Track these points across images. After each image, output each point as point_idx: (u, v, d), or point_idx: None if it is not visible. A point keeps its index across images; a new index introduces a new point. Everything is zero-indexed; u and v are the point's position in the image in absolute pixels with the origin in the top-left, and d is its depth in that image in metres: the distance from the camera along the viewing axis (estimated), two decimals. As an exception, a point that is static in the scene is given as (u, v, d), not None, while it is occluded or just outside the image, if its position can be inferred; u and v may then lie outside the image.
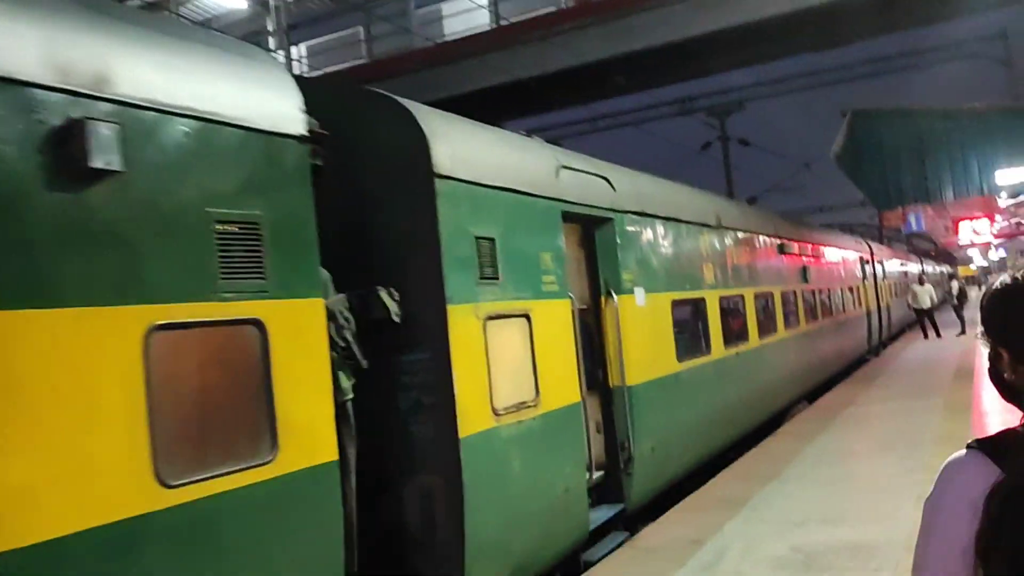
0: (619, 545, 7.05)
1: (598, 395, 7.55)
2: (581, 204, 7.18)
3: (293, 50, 21.35)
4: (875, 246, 26.73)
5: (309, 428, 4.11)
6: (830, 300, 17.57)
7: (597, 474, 7.26)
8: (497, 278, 5.73)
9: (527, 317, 6.08)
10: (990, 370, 1.71)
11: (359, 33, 20.40)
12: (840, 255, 19.59)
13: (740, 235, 11.85)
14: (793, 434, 11.23)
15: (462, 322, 5.29)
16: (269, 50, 21.28)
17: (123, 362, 3.27)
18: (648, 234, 8.50)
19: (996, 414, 11.19)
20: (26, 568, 2.87)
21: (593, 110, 27.15)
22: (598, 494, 7.30)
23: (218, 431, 3.70)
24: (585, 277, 7.60)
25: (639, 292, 8.05)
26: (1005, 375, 1.67)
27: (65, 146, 3.14)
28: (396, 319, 5.05)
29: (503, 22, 18.38)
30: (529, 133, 7.68)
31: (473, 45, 18.32)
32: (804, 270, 15.35)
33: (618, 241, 7.75)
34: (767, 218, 14.73)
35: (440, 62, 18.39)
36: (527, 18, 18.12)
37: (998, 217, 31.59)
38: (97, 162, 3.19)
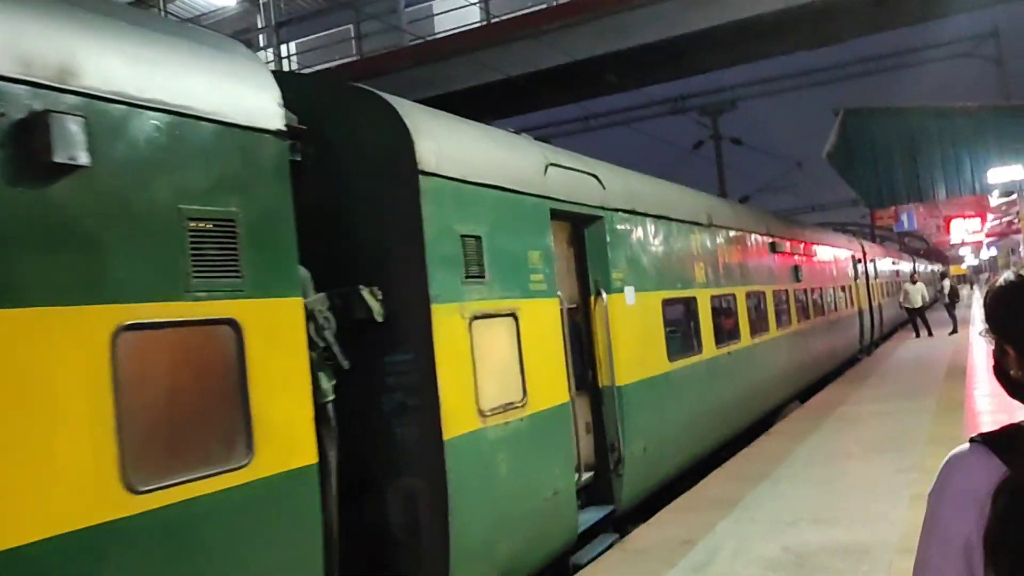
0: (609, 547, 6.95)
1: (588, 395, 7.46)
2: (570, 202, 7.08)
3: (282, 48, 21.20)
4: (867, 245, 26.72)
5: (287, 431, 4.00)
6: (822, 299, 17.52)
7: (586, 475, 7.17)
8: (483, 277, 5.63)
9: (514, 316, 5.97)
10: (995, 367, 1.68)
11: (349, 31, 20.25)
12: (832, 254, 19.54)
13: (731, 234, 11.77)
14: (785, 434, 11.16)
15: (447, 322, 5.18)
16: (258, 48, 21.15)
17: (88, 364, 3.15)
18: (638, 232, 8.41)
19: (989, 414, 11.17)
20: (-16, 579, 2.76)
21: (585, 109, 27.08)
22: (587, 495, 7.20)
23: (191, 435, 3.59)
24: (574, 276, 7.50)
25: (629, 291, 7.96)
26: (1011, 372, 1.64)
27: (27, 140, 3.03)
28: (379, 319, 4.94)
29: (494, 19, 18.27)
30: (518, 131, 7.56)
31: (463, 42, 18.20)
32: (796, 269, 15.28)
33: (608, 239, 7.65)
34: (759, 217, 14.66)
35: (430, 60, 18.27)
36: (518, 15, 18.02)
37: (989, 216, 31.58)
38: (61, 156, 3.08)
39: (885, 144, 21.86)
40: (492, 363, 5.65)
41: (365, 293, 4.90)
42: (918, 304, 24.59)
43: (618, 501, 7.37)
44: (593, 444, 7.44)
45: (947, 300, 26.98)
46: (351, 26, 20.13)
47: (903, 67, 24.53)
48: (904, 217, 36.80)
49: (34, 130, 3.04)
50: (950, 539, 1.54)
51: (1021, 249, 31.22)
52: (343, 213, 5.19)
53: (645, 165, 10.36)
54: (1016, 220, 23.95)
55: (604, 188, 7.77)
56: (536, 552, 5.97)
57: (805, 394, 15.13)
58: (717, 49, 17.96)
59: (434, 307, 5.07)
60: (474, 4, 18.53)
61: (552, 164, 6.89)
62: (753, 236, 12.96)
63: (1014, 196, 20.75)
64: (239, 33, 21.20)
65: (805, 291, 15.93)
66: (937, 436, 9.73)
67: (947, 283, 28.25)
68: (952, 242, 48.87)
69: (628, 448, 7.47)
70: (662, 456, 8.29)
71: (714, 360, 10.14)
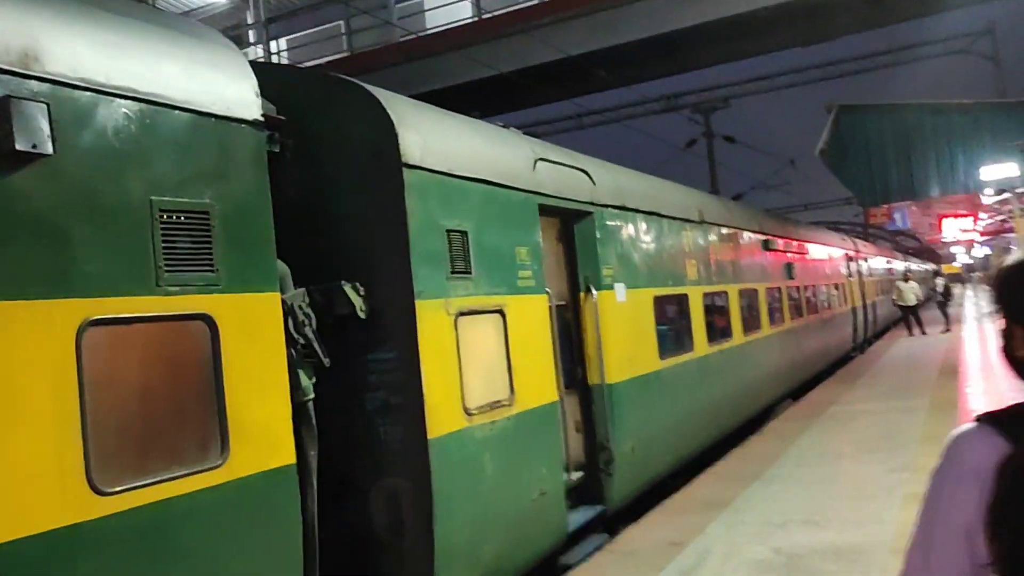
0: (598, 548, 6.84)
1: (577, 394, 7.35)
2: (559, 197, 6.97)
3: (272, 44, 21.04)
4: (860, 243, 26.68)
5: (264, 430, 3.88)
6: (815, 297, 17.45)
7: (576, 475, 7.06)
8: (469, 272, 5.51)
9: (501, 313, 5.86)
10: (1003, 348, 1.66)
11: (340, 27, 20.10)
12: (825, 252, 19.48)
13: (724, 231, 11.67)
14: (777, 433, 11.06)
15: (431, 318, 5.06)
16: (248, 44, 20.99)
17: (53, 360, 3.03)
18: (629, 229, 8.30)
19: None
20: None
21: (578, 106, 26.96)
22: (577, 495, 7.09)
23: (162, 434, 3.47)
24: (564, 272, 7.39)
25: (620, 288, 7.85)
26: (1020, 353, 1.62)
27: (-13, 127, 2.90)
28: (362, 315, 4.82)
29: (485, 15, 18.14)
30: (506, 126, 7.44)
31: (455, 38, 18.06)
32: (789, 267, 15.20)
33: (598, 235, 7.54)
34: (751, 214, 14.57)
35: (421, 55, 18.14)
36: (509, 11, 17.89)
37: (982, 214, 31.60)
38: (23, 144, 2.95)
39: (878, 141, 21.80)
40: (478, 361, 5.53)
41: (347, 289, 4.78)
42: (911, 302, 24.56)
43: (608, 501, 7.27)
44: (583, 443, 7.33)
45: (940, 298, 26.96)
46: (341, 22, 19.97)
47: (897, 64, 24.42)
48: (897, 216, 36.83)
49: (-6, 117, 2.91)
50: (953, 517, 1.52)
51: (1013, 248, 31.22)
52: (325, 207, 5.07)
53: (638, 163, 10.25)
54: (1009, 219, 23.93)
55: (594, 184, 7.66)
56: (523, 553, 5.86)
57: (797, 393, 15.05)
58: (710, 45, 17.88)
59: (418, 303, 4.96)
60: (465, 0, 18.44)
61: (541, 159, 6.78)
62: (746, 233, 12.86)
63: (1007, 195, 20.72)
64: (229, 29, 21.04)
65: (798, 289, 15.85)
66: (930, 435, 9.65)
67: (940, 281, 28.22)
68: (945, 240, 48.94)
69: (618, 447, 7.37)
70: (653, 455, 8.19)
71: (706, 358, 10.04)
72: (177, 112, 3.66)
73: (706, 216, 10.91)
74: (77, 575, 3.05)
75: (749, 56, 20.46)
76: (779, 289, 14.39)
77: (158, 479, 3.34)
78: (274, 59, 20.79)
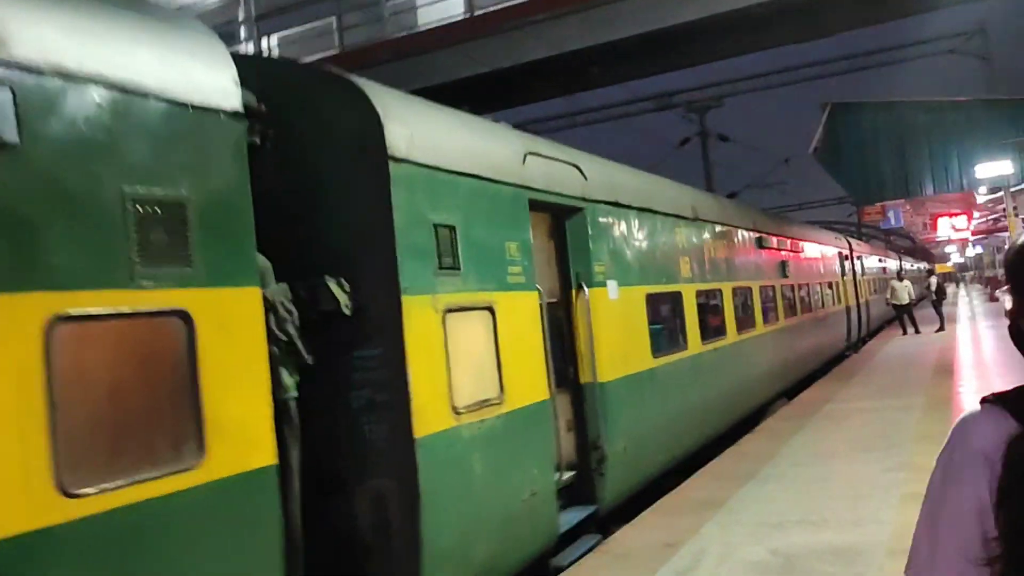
0: (591, 549, 6.73)
1: (569, 392, 7.23)
2: (550, 192, 6.85)
3: (263, 41, 20.88)
4: (854, 242, 26.63)
5: (243, 430, 3.76)
6: (809, 295, 17.38)
7: (567, 475, 6.94)
8: (458, 268, 5.39)
9: (491, 310, 5.74)
10: (1011, 327, 1.64)
11: (331, 23, 19.95)
12: (819, 250, 19.41)
13: (718, 228, 11.57)
14: (771, 432, 10.97)
15: (418, 315, 4.94)
16: (239, 41, 20.83)
17: (18, 356, 2.90)
18: (621, 225, 8.19)
19: (977, 411, 11.00)
20: None
21: (572, 104, 26.91)
22: (569, 495, 6.97)
23: (134, 434, 3.34)
24: (555, 269, 7.27)
25: (612, 285, 7.74)
26: None
27: (-54, 113, 2.77)
28: (347, 311, 4.70)
29: (478, 11, 18.01)
30: (496, 121, 7.32)
31: (447, 35, 17.94)
32: (783, 265, 15.12)
33: (590, 232, 7.43)
34: (745, 211, 14.48)
35: (414, 52, 18.00)
36: (502, 7, 17.76)
37: (976, 213, 31.60)
38: (-15, 131, 2.82)
39: (872, 139, 21.76)
40: (467, 358, 5.41)
41: (332, 284, 4.66)
42: (905, 301, 24.51)
43: (601, 501, 7.16)
44: (575, 442, 7.22)
45: (934, 297, 26.93)
46: (333, 19, 19.82)
47: (891, 63, 24.39)
48: (891, 215, 36.84)
49: (-47, 102, 2.79)
50: (962, 500, 1.49)
51: (1005, 247, 31.16)
52: (309, 200, 4.95)
53: (632, 161, 10.14)
54: (1003, 217, 23.90)
55: (586, 179, 7.55)
56: (513, 555, 5.74)
57: (792, 391, 14.96)
58: (704, 42, 17.78)
59: (405, 299, 4.83)
60: (458, -5, 18.31)
61: (531, 153, 6.66)
62: (740, 231, 12.77)
63: (1001, 193, 20.68)
64: (220, 26, 20.88)
65: (792, 287, 15.77)
66: (926, 434, 9.56)
67: (934, 280, 28.18)
68: (938, 239, 48.99)
69: (611, 446, 7.26)
70: (646, 455, 8.08)
71: (699, 356, 9.93)
72: (152, 101, 3.53)
73: (700, 213, 10.81)
74: (43, 582, 2.92)
75: (743, 53, 20.37)
76: (773, 287, 14.30)
77: (131, 481, 3.21)
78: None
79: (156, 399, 3.45)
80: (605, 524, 7.39)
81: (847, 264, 22.63)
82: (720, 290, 11.21)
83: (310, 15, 20.87)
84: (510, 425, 5.77)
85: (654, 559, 6.15)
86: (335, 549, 4.77)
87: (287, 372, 4.26)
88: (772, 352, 13.71)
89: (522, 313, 6.18)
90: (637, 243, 8.55)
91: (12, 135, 2.91)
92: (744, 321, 12.16)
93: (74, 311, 3.09)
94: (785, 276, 15.17)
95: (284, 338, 4.24)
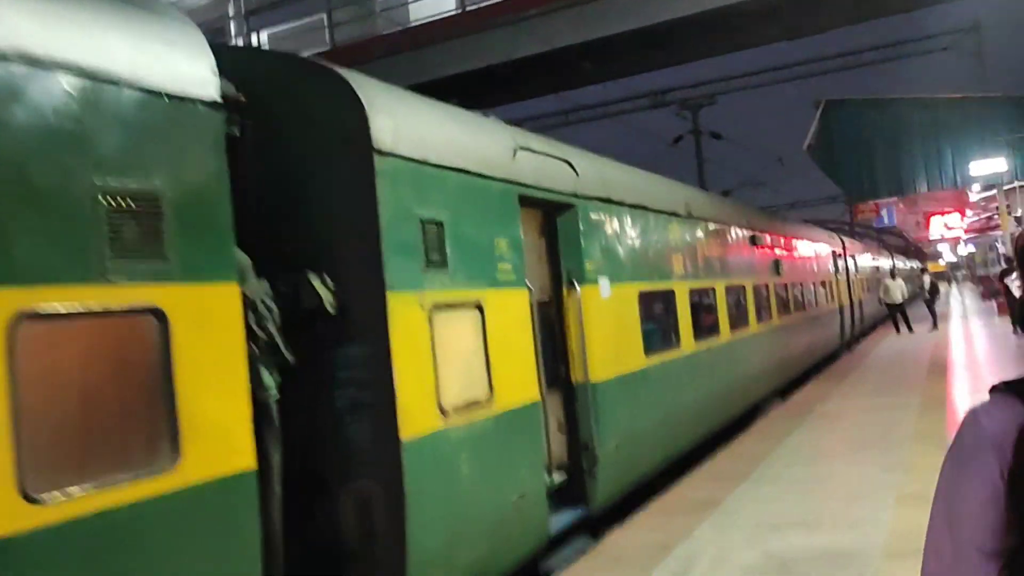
0: (582, 552, 6.61)
1: (560, 392, 7.10)
2: (541, 188, 6.72)
3: (254, 37, 20.69)
4: (848, 240, 26.57)
5: (220, 432, 3.62)
6: (803, 294, 17.29)
7: (558, 476, 6.81)
8: (445, 265, 5.25)
9: (479, 308, 5.61)
10: (1020, 314, 1.44)
11: (323, 19, 19.77)
12: (813, 249, 19.33)
13: (711, 226, 11.46)
14: (766, 432, 10.85)
15: (404, 312, 4.80)
16: (230, 38, 20.64)
17: (-23, 356, 2.75)
18: (614, 222, 8.06)
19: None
20: None
21: (566, 102, 26.76)
22: (560, 497, 6.84)
23: (105, 437, 3.20)
24: (546, 266, 7.14)
25: (604, 283, 7.61)
26: None
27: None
28: (330, 309, 4.56)
29: (470, 7, 17.86)
30: (486, 115, 7.19)
31: (439, 30, 17.78)
32: (777, 263, 15.03)
33: (581, 228, 7.30)
34: (739, 209, 14.38)
35: (406, 48, 17.84)
36: (494, 2, 17.60)
37: (969, 211, 31.59)
38: (-58, 118, 2.68)
39: (866, 136, 21.68)
40: (455, 357, 5.28)
41: (315, 281, 4.52)
42: (898, 300, 24.47)
43: (592, 503, 7.03)
44: (566, 443, 7.09)
45: (927, 296, 26.90)
46: (324, 15, 19.65)
47: (885, 61, 24.29)
48: (884, 213, 36.83)
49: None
50: (975, 487, 1.44)
51: (999, 245, 31.22)
52: (292, 195, 4.80)
53: (625, 159, 10.00)
54: (996, 215, 23.86)
55: (577, 175, 7.42)
56: (502, 559, 5.61)
57: (786, 390, 14.87)
58: (696, 39, 17.66)
59: (390, 296, 4.70)
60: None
61: (522, 148, 6.52)
62: (733, 229, 12.66)
63: (994, 191, 20.63)
64: (210, 23, 20.69)
65: (786, 286, 15.68)
66: (922, 433, 9.47)
67: (927, 279, 28.15)
68: (931, 238, 49.02)
69: (603, 447, 7.13)
70: (638, 455, 7.96)
71: (693, 355, 9.82)
72: (124, 89, 3.39)
73: (693, 210, 10.69)
74: (6, 593, 2.78)
75: (736, 50, 20.26)
76: (767, 286, 14.20)
77: (100, 486, 3.07)
78: (255, 53, 20.41)
79: (128, 400, 3.31)
80: (597, 526, 7.27)
81: (840, 262, 22.56)
82: (714, 288, 11.09)
83: (301, 11, 20.71)
84: (499, 426, 5.64)
85: (647, 562, 6.02)
86: (318, 554, 4.63)
87: (267, 372, 4.12)
88: (766, 351, 13.61)
89: (512, 311, 6.05)
90: (630, 240, 8.42)
91: (-28, 123, 2.77)
92: (738, 319, 12.05)
93: (40, 308, 2.95)
94: (779, 274, 15.08)
95: (264, 337, 4.09)
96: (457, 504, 5.13)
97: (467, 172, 5.65)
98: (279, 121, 4.74)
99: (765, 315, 13.84)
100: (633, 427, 7.85)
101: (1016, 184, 21.86)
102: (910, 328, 24.17)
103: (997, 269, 29.68)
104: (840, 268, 22.34)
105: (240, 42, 20.10)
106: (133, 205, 3.33)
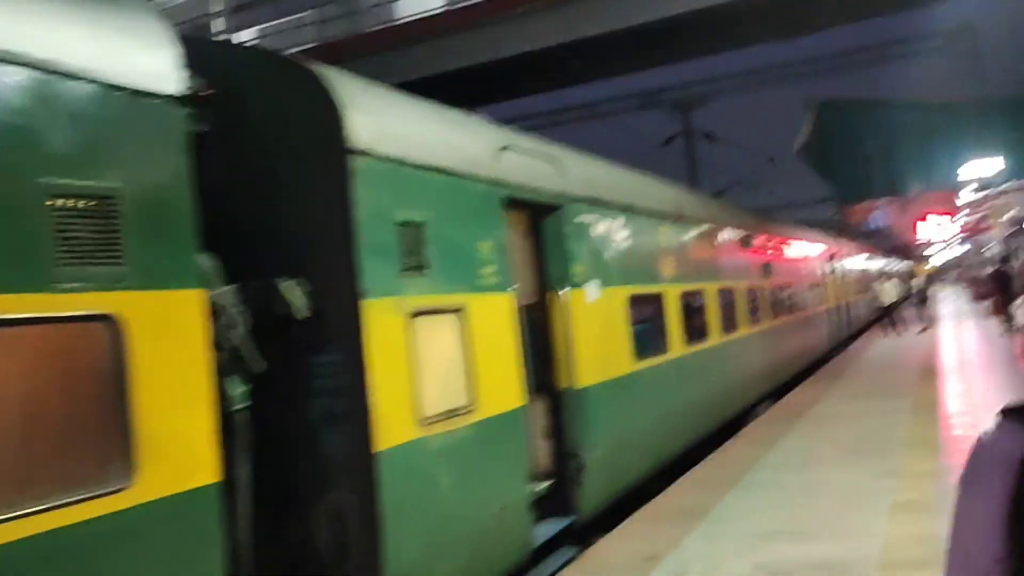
0: (567, 563, 6.44)
1: (546, 398, 6.92)
2: (526, 189, 6.55)
3: (242, 34, 20.46)
4: (839, 242, 26.50)
5: (182, 445, 3.43)
6: (794, 296, 17.16)
7: (544, 484, 6.63)
8: (425, 269, 5.06)
9: (461, 313, 5.43)
10: None
11: (309, 16, 19.56)
12: (804, 251, 19.22)
13: (702, 227, 11.30)
14: (756, 437, 10.70)
15: (381, 318, 4.62)
16: (215, 33, 20.42)
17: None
18: (602, 224, 7.88)
19: (964, 415, 10.83)
20: None
21: (556, 102, 26.62)
22: (545, 506, 6.66)
23: (54, 453, 3.00)
24: (532, 270, 6.96)
25: (592, 286, 7.44)
26: None
27: None
28: (303, 315, 4.37)
29: (458, 4, 17.67)
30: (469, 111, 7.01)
31: (426, 28, 17.58)
32: (768, 265, 14.89)
33: (568, 230, 7.12)
34: (730, 210, 14.23)
35: (392, 46, 17.63)
36: (481, 0, 17.41)
37: (960, 213, 31.54)
38: None
39: (858, 137, 21.58)
40: (435, 365, 5.10)
41: (287, 286, 4.33)
42: (889, 301, 24.41)
43: (579, 511, 6.85)
44: (552, 451, 6.91)
45: (918, 298, 26.85)
46: (311, 11, 19.43)
47: (878, 62, 24.22)
48: (875, 214, 36.80)
49: None
50: (987, 506, 1.44)
51: (989, 247, 31.22)
52: (263, 195, 4.61)
53: (617, 160, 9.83)
54: (987, 215, 23.80)
55: (565, 175, 7.24)
56: (483, 571, 5.42)
57: (777, 393, 14.73)
58: (687, 38, 17.51)
59: (366, 302, 4.51)
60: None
61: (506, 147, 6.35)
62: (725, 230, 12.51)
63: (987, 192, 20.56)
64: (197, 19, 20.47)
65: (777, 288, 15.55)
66: (914, 438, 9.36)
67: (917, 281, 28.10)
68: (922, 240, 49.07)
69: (590, 454, 6.95)
70: (627, 462, 7.78)
71: (682, 359, 9.65)
72: (78, 82, 3.20)
73: (683, 212, 10.53)
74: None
75: (727, 50, 20.14)
76: (758, 288, 14.06)
77: (48, 505, 2.88)
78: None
79: (79, 414, 3.11)
80: (584, 535, 7.09)
81: (832, 264, 22.47)
82: (704, 291, 10.93)
83: (288, 8, 20.47)
84: (481, 435, 5.46)
85: (633, 574, 5.86)
86: (290, 570, 4.45)
87: (235, 381, 3.93)
88: (757, 354, 13.46)
89: (495, 316, 5.87)
90: (618, 243, 8.25)
91: (-97, 118, 2.57)
92: (728, 322, 11.89)
93: (-20, 316, 2.76)
94: (770, 276, 14.94)
95: (231, 345, 3.90)
96: (436, 515, 4.95)
97: (449, 172, 5.47)
98: (250, 118, 4.56)
99: (756, 318, 13.69)
100: (621, 433, 7.67)
101: (1008, 185, 21.80)
102: (901, 330, 24.11)
103: (988, 270, 29.65)
104: (831, 270, 22.25)
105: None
106: (86, 206, 3.14)
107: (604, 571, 6.06)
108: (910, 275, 37.80)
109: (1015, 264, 21.64)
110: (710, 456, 9.65)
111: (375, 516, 4.43)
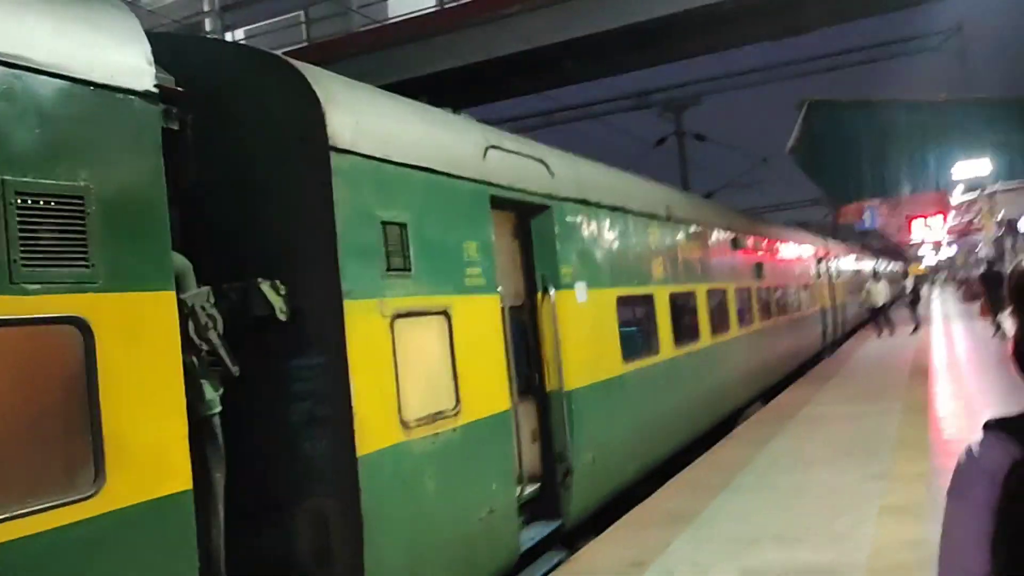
0: (554, 568, 6.35)
1: (534, 401, 6.84)
2: (513, 189, 6.46)
3: (231, 34, 20.31)
4: (831, 243, 26.48)
5: (151, 452, 3.33)
6: (785, 297, 17.12)
7: (531, 488, 6.55)
8: (408, 270, 4.97)
9: (446, 314, 5.33)
10: (1015, 350, 1.62)
11: (299, 16, 19.42)
12: (796, 251, 19.18)
13: (692, 228, 11.23)
14: (746, 438, 10.63)
15: (363, 320, 4.52)
16: (205, 33, 20.27)
17: None
18: (591, 224, 7.80)
19: (954, 417, 10.80)
20: None
21: (548, 103, 26.53)
22: (532, 510, 6.58)
23: (16, 460, 2.90)
24: (520, 271, 6.87)
25: (580, 287, 7.36)
26: None
27: None
28: (282, 317, 4.27)
29: (449, 4, 17.56)
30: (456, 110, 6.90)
31: (417, 27, 17.47)
32: (759, 266, 14.83)
33: (556, 231, 7.03)
34: (721, 211, 14.17)
35: (383, 46, 17.51)
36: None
37: (951, 213, 31.58)
38: None
39: (849, 138, 21.55)
40: (418, 367, 5.00)
41: (265, 287, 4.23)
42: (881, 303, 24.40)
43: (566, 515, 6.77)
44: (539, 454, 6.83)
45: (909, 299, 26.85)
46: (301, 12, 19.29)
47: (869, 62, 24.20)
48: (866, 216, 36.83)
49: None
50: (973, 519, 1.51)
51: (979, 248, 31.26)
52: (241, 194, 4.51)
53: (609, 160, 9.76)
54: (977, 218, 23.81)
55: (552, 175, 7.15)
56: (469, 577, 5.33)
57: (768, 394, 14.67)
58: (679, 38, 17.46)
59: (347, 304, 4.42)
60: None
61: (493, 147, 6.26)
62: (715, 231, 12.44)
63: (978, 192, 20.56)
64: (185, 19, 20.33)
65: (768, 289, 15.49)
66: (905, 439, 9.31)
67: (909, 282, 28.10)
68: (913, 241, 49.14)
69: (577, 458, 6.87)
70: (615, 465, 7.70)
71: (673, 361, 9.58)
72: (43, 78, 3.10)
73: (673, 212, 10.45)
74: None
75: (719, 50, 20.07)
76: (748, 289, 14.00)
77: (9, 514, 2.78)
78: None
79: (43, 419, 3.01)
80: (572, 538, 7.01)
81: (823, 265, 22.44)
82: (694, 292, 10.86)
83: (278, 8, 20.33)
84: (466, 438, 5.37)
85: (620, 580, 5.78)
86: (269, 577, 4.35)
87: (209, 385, 3.83)
88: (747, 356, 13.40)
89: (481, 317, 5.78)
90: (607, 243, 8.17)
91: None
92: (719, 324, 11.83)
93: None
94: (760, 277, 14.89)
95: (205, 347, 3.80)
96: (420, 521, 4.85)
97: (434, 171, 5.38)
98: (229, 116, 4.46)
99: (747, 319, 13.64)
100: (610, 436, 7.60)
101: (999, 186, 21.81)
102: (892, 331, 24.10)
103: (978, 271, 29.70)
104: (823, 271, 22.22)
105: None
106: (52, 205, 3.04)
107: (591, 576, 5.98)
108: (902, 276, 37.84)
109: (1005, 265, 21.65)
110: (700, 458, 9.58)
111: (357, 522, 4.33)
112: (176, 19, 19.63)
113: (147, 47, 3.54)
